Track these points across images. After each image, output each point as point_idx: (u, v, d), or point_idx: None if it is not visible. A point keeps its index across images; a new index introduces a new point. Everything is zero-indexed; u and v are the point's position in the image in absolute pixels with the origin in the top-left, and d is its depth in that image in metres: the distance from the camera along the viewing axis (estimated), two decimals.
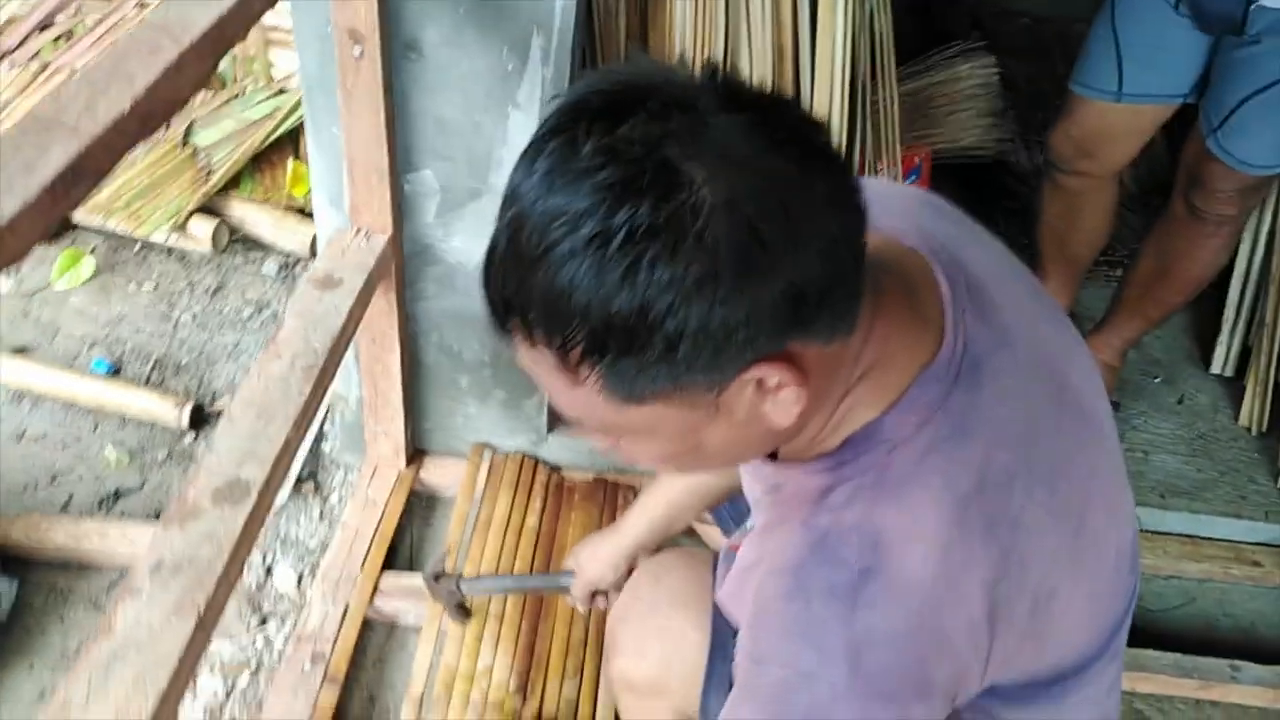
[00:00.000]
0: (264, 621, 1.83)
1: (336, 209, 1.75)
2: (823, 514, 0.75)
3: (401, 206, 1.73)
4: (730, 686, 0.80)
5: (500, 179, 1.67)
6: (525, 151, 0.66)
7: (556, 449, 2.02)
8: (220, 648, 1.78)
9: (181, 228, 2.46)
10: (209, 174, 2.52)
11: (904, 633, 0.72)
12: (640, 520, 1.35)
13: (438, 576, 1.69)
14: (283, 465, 1.31)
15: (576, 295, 0.61)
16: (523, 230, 0.63)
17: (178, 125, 2.60)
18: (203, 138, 2.60)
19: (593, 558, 1.41)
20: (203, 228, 2.48)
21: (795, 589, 0.74)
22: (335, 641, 1.72)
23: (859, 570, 0.72)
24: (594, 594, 1.46)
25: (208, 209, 2.51)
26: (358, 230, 1.69)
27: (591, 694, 1.67)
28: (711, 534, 1.55)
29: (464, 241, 1.77)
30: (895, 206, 0.85)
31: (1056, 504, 0.77)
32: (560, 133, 0.63)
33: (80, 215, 2.46)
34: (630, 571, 1.35)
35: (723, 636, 1.11)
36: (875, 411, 0.75)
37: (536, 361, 0.68)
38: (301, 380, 1.39)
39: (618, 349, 0.63)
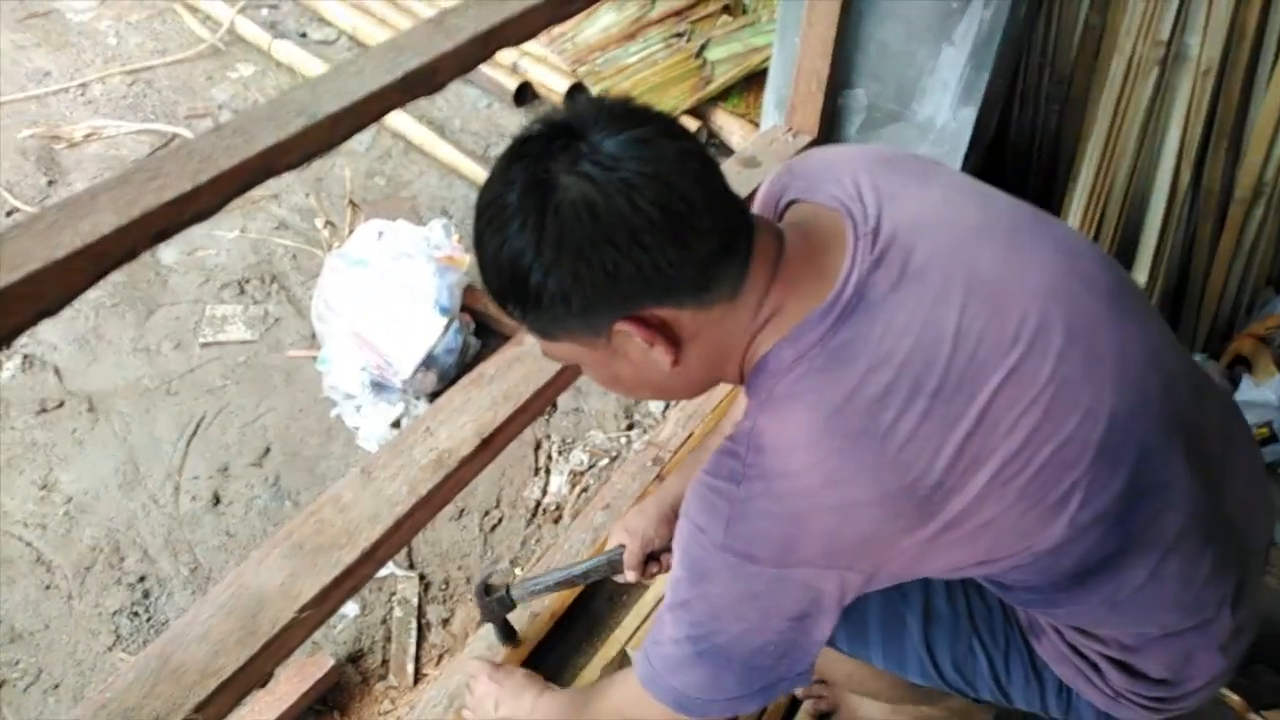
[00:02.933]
0: (630, 428, 2.25)
1: (779, 111, 2.07)
2: (736, 426, 0.95)
3: (831, 118, 2.00)
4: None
5: (921, 107, 1.90)
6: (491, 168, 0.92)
7: None
8: (594, 435, 2.23)
9: None
10: (707, 83, 2.98)
11: (771, 511, 0.89)
12: (684, 479, 1.49)
13: (488, 589, 1.60)
14: None
15: (486, 259, 0.88)
16: (476, 212, 0.90)
17: (697, 40, 3.08)
18: (714, 53, 3.06)
19: (642, 517, 1.51)
20: (689, 126, 2.94)
21: (707, 470, 0.95)
22: (674, 454, 2.08)
23: (746, 462, 0.91)
24: (648, 559, 1.50)
25: (696, 112, 2.98)
26: (789, 129, 1.99)
27: None
28: None
29: None
30: (836, 174, 1.00)
31: (950, 411, 0.87)
32: (506, 158, 0.88)
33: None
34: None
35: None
36: (767, 349, 0.93)
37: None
38: None
39: (514, 299, 0.88)
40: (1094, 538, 0.93)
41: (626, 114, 0.87)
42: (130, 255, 0.78)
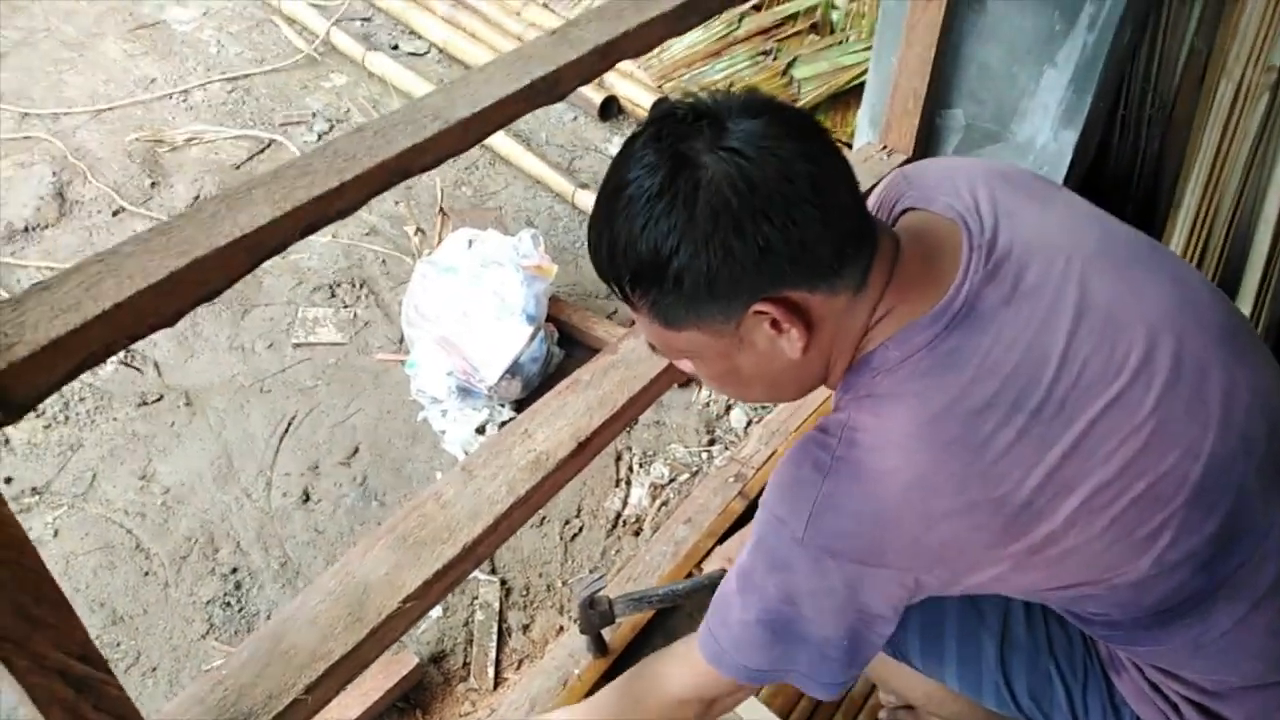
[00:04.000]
0: (712, 443, 2.26)
1: (874, 128, 2.06)
2: (827, 418, 0.95)
3: (927, 137, 1.99)
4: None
5: (1021, 128, 1.89)
6: (618, 153, 0.92)
7: None
8: (675, 449, 2.24)
9: None
10: (795, 102, 2.99)
11: (857, 509, 0.89)
12: None
13: (592, 604, 1.60)
14: None
15: (621, 241, 0.86)
16: (601, 201, 0.90)
17: (784, 58, 3.09)
18: (801, 71, 3.07)
19: (741, 543, 1.49)
20: None
21: (792, 460, 0.94)
22: (757, 471, 2.08)
23: (836, 455, 0.90)
24: None
25: None
26: (883, 146, 1.99)
27: None
28: None
29: None
30: (954, 184, 1.00)
31: (1048, 432, 0.86)
32: (635, 139, 0.88)
33: None
34: None
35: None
36: (873, 348, 0.92)
37: (622, 300, 0.93)
38: None
39: (647, 284, 0.87)
40: (1180, 578, 0.92)
41: (761, 102, 0.88)
42: (282, 246, 0.81)
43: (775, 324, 0.88)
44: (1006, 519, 0.87)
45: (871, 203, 1.11)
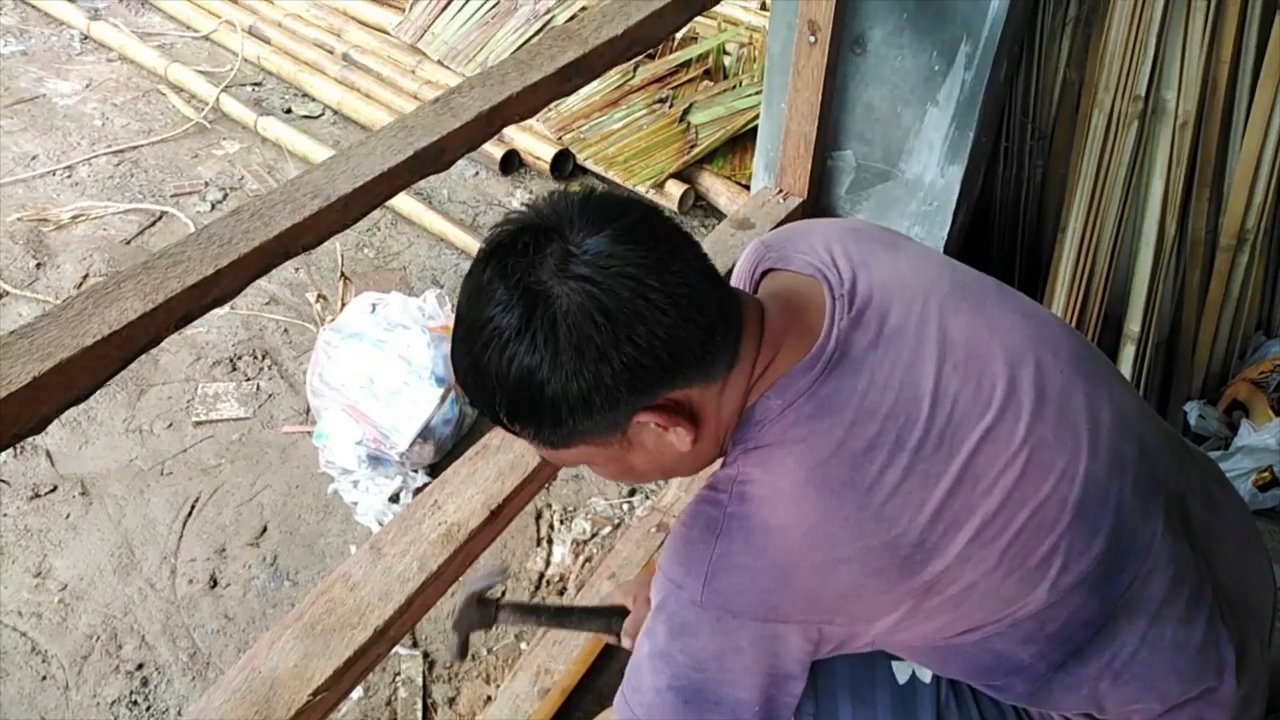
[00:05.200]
0: (632, 494, 2.24)
1: (769, 173, 2.10)
2: (716, 474, 0.95)
3: (820, 179, 2.03)
4: None
5: (909, 166, 1.93)
6: (465, 277, 0.90)
7: None
8: (595, 503, 2.22)
9: (659, 187, 2.99)
10: (692, 147, 3.03)
11: (752, 566, 0.88)
12: None
13: (481, 600, 1.45)
14: None
15: (489, 380, 0.86)
16: (461, 337, 0.88)
17: (680, 105, 3.14)
18: (697, 117, 3.11)
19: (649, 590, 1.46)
20: (675, 190, 2.98)
21: (684, 522, 0.94)
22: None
23: (727, 512, 0.90)
24: None
25: (682, 175, 3.02)
26: (779, 190, 2.02)
27: None
28: None
29: (868, 216, 2.03)
30: (810, 243, 1.03)
31: (931, 469, 0.88)
32: (482, 264, 0.87)
33: (590, 163, 3.09)
34: None
35: None
36: (753, 403, 0.93)
37: (497, 425, 0.93)
38: None
39: (524, 417, 0.87)
40: (1077, 601, 0.94)
41: (601, 210, 0.87)
42: (155, 341, 0.78)
43: (657, 424, 0.89)
44: (902, 560, 0.88)
45: (736, 273, 1.14)
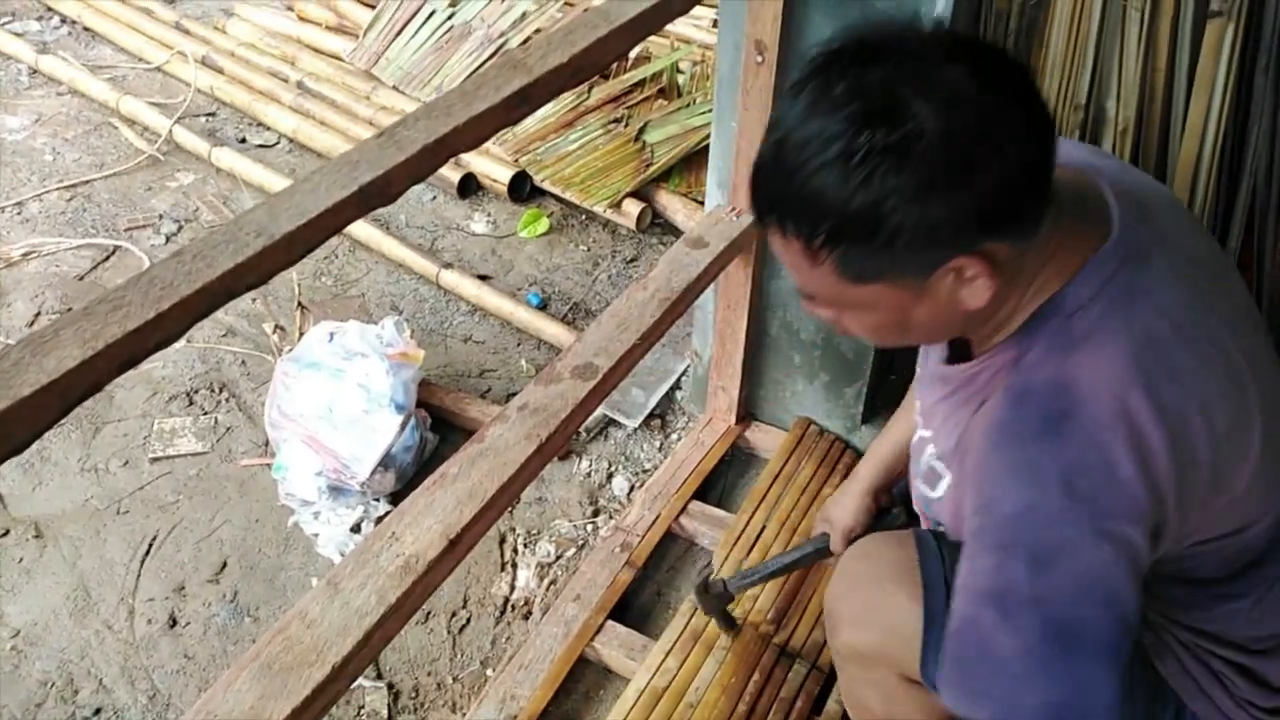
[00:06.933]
0: (596, 514, 2.24)
1: (722, 191, 2.11)
2: (1019, 376, 0.91)
3: None
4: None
5: None
6: (790, 88, 0.87)
7: (868, 437, 2.22)
8: (559, 525, 2.21)
9: (617, 206, 3.00)
10: (648, 165, 3.04)
11: (1105, 461, 0.84)
12: (872, 464, 1.52)
13: (705, 588, 1.75)
14: (625, 363, 1.67)
15: (825, 197, 0.81)
16: (785, 148, 0.84)
17: (635, 124, 3.15)
18: (652, 135, 3.13)
19: (838, 506, 1.55)
20: (633, 208, 3.00)
21: (1008, 439, 0.89)
22: (642, 539, 2.07)
23: (1058, 413, 0.86)
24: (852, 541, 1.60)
25: (640, 194, 3.03)
26: (733, 209, 2.04)
27: None
28: None
29: None
30: (1079, 152, 1.05)
31: (1219, 361, 0.92)
32: (818, 74, 0.84)
33: (547, 184, 3.09)
34: (876, 510, 1.53)
35: (935, 607, 1.20)
36: (1055, 290, 0.92)
37: (786, 248, 0.90)
38: (656, 307, 1.75)
39: (851, 239, 0.83)
40: None
41: (964, 45, 0.84)
42: (96, 388, 0.77)
43: (960, 275, 0.87)
44: (1214, 447, 0.90)
45: None
